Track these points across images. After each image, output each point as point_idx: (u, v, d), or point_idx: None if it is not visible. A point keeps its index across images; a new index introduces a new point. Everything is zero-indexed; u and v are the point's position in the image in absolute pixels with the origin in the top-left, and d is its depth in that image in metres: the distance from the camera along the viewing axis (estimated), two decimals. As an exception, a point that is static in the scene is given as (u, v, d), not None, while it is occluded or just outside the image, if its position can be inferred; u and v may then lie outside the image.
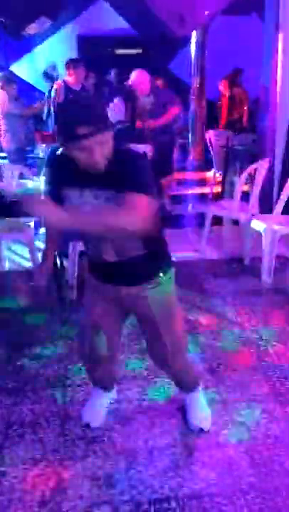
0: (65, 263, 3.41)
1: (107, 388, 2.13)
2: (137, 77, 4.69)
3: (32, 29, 4.90)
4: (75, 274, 3.28)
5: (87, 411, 2.13)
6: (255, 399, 2.24)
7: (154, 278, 1.75)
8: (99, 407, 2.13)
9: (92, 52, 10.34)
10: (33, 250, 3.60)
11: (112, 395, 2.21)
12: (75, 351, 2.64)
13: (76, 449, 1.97)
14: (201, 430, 2.04)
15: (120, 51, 11.71)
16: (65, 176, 1.62)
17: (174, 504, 1.70)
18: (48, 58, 10.47)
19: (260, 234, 3.54)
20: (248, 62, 8.98)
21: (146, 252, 1.70)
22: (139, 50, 11.62)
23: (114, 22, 10.25)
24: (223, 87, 7.47)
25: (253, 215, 3.79)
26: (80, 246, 3.22)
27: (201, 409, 2.11)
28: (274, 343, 2.70)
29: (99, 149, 1.48)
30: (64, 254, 3.37)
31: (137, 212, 1.45)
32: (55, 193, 1.65)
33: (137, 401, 2.25)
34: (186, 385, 2.10)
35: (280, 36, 4.11)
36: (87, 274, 1.88)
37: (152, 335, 1.85)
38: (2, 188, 3.30)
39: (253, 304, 3.19)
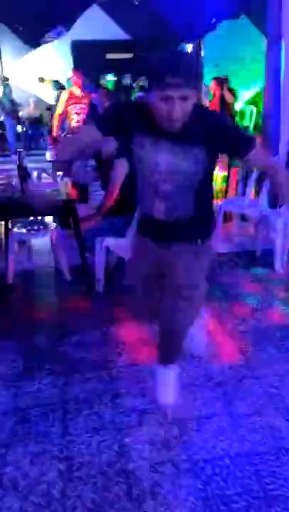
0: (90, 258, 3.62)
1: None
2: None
3: (49, 38, 5.11)
4: (103, 268, 3.48)
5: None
6: (285, 373, 2.48)
7: (193, 242, 1.94)
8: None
9: (86, 58, 10.55)
10: (56, 250, 3.80)
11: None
12: (109, 337, 2.88)
13: (130, 420, 2.17)
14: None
15: (111, 56, 11.93)
16: (141, 122, 1.77)
17: (227, 461, 1.92)
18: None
19: (269, 228, 3.81)
20: (241, 63, 9.29)
21: (194, 216, 1.88)
22: (131, 55, 11.86)
23: (107, 27, 10.48)
24: (211, 87, 7.72)
25: (262, 211, 4.05)
26: (106, 241, 3.44)
27: (172, 390, 2.20)
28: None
29: (180, 104, 1.63)
30: (89, 250, 3.58)
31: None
32: (111, 130, 1.85)
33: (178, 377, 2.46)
34: (172, 352, 2.16)
35: (283, 45, 4.40)
36: (136, 236, 2.11)
37: (174, 290, 1.96)
38: (31, 189, 3.49)
39: (269, 291, 3.43)
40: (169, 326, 2.05)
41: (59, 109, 5.69)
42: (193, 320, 2.09)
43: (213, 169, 1.92)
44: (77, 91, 5.56)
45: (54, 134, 5.71)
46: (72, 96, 5.56)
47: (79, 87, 5.54)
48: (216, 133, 1.77)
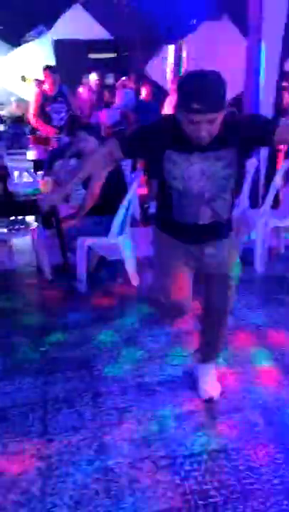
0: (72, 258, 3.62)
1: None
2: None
3: (30, 37, 5.06)
4: (84, 268, 3.48)
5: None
6: (263, 370, 2.51)
7: (227, 235, 2.06)
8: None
9: (68, 57, 10.48)
10: (38, 250, 3.79)
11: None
12: (90, 337, 2.88)
13: (110, 418, 2.19)
14: (211, 399, 2.27)
15: (94, 55, 11.88)
16: (171, 139, 1.80)
17: (205, 457, 1.95)
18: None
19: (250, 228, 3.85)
20: (224, 65, 9.33)
21: (230, 214, 2.00)
22: (114, 54, 11.84)
23: (89, 27, 10.44)
24: None
25: (243, 210, 4.08)
26: (88, 241, 3.44)
27: (214, 381, 2.35)
28: (270, 324, 2.99)
29: (206, 127, 1.66)
30: (71, 250, 3.58)
31: None
32: (134, 153, 1.98)
33: (157, 376, 2.48)
34: (213, 350, 2.31)
35: (263, 45, 4.44)
36: (163, 235, 2.10)
37: (220, 279, 2.09)
38: (12, 188, 3.47)
39: (249, 290, 3.47)
40: (221, 313, 2.20)
41: (33, 110, 5.63)
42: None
43: (243, 170, 2.01)
44: (49, 90, 5.53)
45: (44, 132, 5.58)
46: (46, 96, 5.53)
47: (50, 87, 5.51)
48: (247, 135, 1.82)
